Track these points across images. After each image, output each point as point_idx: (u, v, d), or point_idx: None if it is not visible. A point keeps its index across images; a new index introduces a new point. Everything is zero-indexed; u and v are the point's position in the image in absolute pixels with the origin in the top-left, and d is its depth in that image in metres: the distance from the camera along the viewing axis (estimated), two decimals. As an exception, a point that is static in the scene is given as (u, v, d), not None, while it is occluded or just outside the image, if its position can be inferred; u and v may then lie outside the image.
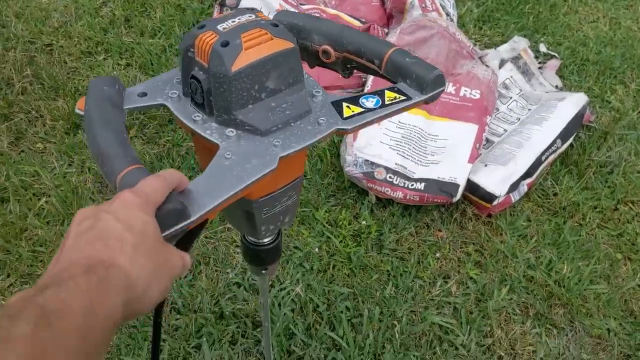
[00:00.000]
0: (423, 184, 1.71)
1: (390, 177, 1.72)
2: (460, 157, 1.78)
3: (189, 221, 0.54)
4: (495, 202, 1.75)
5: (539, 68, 2.23)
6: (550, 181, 1.92)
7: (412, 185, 1.71)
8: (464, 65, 2.02)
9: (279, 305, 1.54)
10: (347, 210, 1.77)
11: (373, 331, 1.52)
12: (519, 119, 2.02)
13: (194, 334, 1.48)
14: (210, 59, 0.61)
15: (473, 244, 1.75)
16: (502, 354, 1.53)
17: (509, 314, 1.61)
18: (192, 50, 0.64)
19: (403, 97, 0.70)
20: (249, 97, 0.63)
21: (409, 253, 1.70)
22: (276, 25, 0.65)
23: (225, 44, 0.61)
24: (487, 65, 2.06)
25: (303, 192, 1.81)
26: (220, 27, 0.63)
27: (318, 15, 2.18)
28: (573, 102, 1.97)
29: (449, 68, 1.99)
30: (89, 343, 0.40)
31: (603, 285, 1.70)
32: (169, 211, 0.52)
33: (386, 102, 0.69)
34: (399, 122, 1.84)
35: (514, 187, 1.78)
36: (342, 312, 1.54)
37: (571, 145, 2.00)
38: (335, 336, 1.50)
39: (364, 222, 1.74)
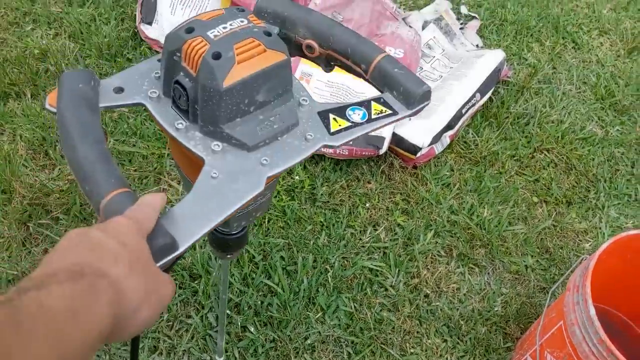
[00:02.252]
0: (350, 138, 1.79)
1: (319, 133, 1.79)
2: (385, 112, 1.86)
3: (178, 252, 0.53)
4: (419, 154, 1.84)
5: (461, 28, 2.34)
6: (472, 133, 2.04)
7: (340, 139, 1.79)
8: (387, 26, 2.09)
9: (216, 258, 1.59)
10: (280, 167, 1.83)
11: (307, 277, 1.60)
12: (441, 76, 2.12)
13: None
14: (199, 69, 0.58)
15: (400, 193, 1.84)
16: (429, 292, 1.64)
17: (434, 255, 1.72)
18: (178, 55, 0.60)
19: (389, 111, 0.69)
20: (237, 111, 0.61)
21: (341, 204, 1.79)
22: (269, 34, 0.61)
23: (217, 56, 0.57)
24: (410, 26, 2.15)
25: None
26: (211, 33, 0.59)
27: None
28: (490, 59, 2.08)
29: (373, 29, 2.06)
30: (65, 351, 0.38)
31: (520, 226, 1.83)
32: (160, 246, 0.51)
33: (372, 116, 0.68)
34: (328, 80, 1.91)
35: (437, 139, 1.89)
36: (277, 261, 1.61)
37: (491, 99, 2.12)
38: (271, 283, 1.57)
39: (297, 178, 1.81)
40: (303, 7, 0.74)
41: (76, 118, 0.56)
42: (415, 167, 1.90)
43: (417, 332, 1.58)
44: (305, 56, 0.75)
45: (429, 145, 1.85)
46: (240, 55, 0.58)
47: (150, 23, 2.07)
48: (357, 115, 0.67)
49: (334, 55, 0.73)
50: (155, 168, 1.78)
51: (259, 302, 1.54)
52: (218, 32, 0.59)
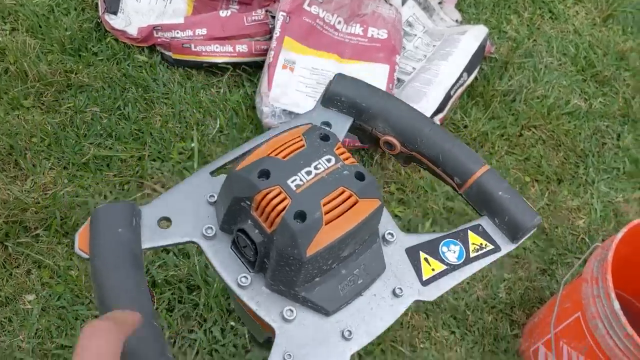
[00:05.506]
0: (343, 129, 1.72)
1: (309, 125, 1.71)
2: (375, 98, 1.79)
3: None
4: (412, 140, 1.79)
5: (439, 3, 2.26)
6: (460, 114, 1.99)
7: (332, 131, 1.71)
8: (368, 5, 2.01)
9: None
10: (269, 163, 1.74)
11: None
12: (425, 56, 2.06)
13: (128, 306, 1.43)
14: (277, 231, 0.47)
15: (394, 182, 1.79)
16: (433, 284, 1.61)
17: (435, 245, 1.68)
18: (247, 203, 0.49)
19: (490, 246, 0.58)
20: (318, 272, 0.50)
21: (335, 198, 1.72)
22: (362, 177, 0.50)
23: (301, 218, 0.47)
24: (390, 4, 2.07)
25: (222, 148, 1.77)
26: (292, 182, 0.48)
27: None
28: (474, 35, 2.02)
29: (354, 9, 1.97)
30: None
31: (516, 207, 1.81)
32: None
33: (471, 254, 0.57)
34: (312, 67, 1.82)
35: (429, 123, 1.83)
36: (277, 264, 1.54)
37: (476, 77, 2.07)
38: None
39: (287, 173, 1.73)
40: (384, 95, 0.62)
41: (118, 280, 0.46)
42: (407, 153, 1.85)
43: (425, 326, 1.55)
44: (380, 149, 0.64)
45: (421, 131, 1.80)
46: (329, 214, 0.48)
47: (115, 12, 1.92)
48: (452, 254, 0.57)
49: (420, 158, 0.62)
50: (136, 172, 1.67)
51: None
52: (301, 180, 0.48)
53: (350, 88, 0.62)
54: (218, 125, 1.81)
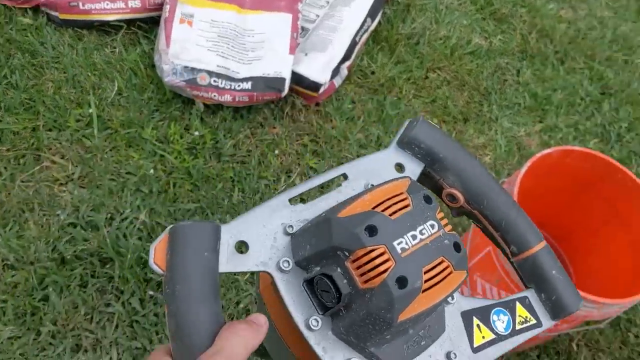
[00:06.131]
0: (250, 83, 1.67)
1: (214, 81, 1.65)
2: (280, 49, 1.75)
3: None
4: (321, 90, 1.77)
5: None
6: (367, 61, 1.99)
7: (239, 85, 1.66)
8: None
9: (124, 236, 1.46)
10: (175, 124, 1.68)
11: (228, 239, 1.51)
12: (328, 2, 2.02)
13: (37, 286, 1.36)
14: (375, 292, 0.46)
15: (307, 134, 1.78)
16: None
17: (351, 193, 1.70)
18: (345, 253, 0.47)
19: (534, 321, 0.59)
20: (395, 332, 0.50)
21: (249, 155, 1.69)
22: (459, 249, 0.49)
23: (401, 283, 0.45)
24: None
25: (123, 112, 1.68)
26: (398, 244, 0.46)
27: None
28: (376, -21, 2.00)
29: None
30: None
31: (426, 150, 1.85)
32: None
33: (517, 326, 0.58)
34: (212, 20, 1.74)
35: (336, 72, 1.81)
36: (193, 228, 1.50)
37: (379, 22, 2.07)
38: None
39: (196, 133, 1.67)
40: (461, 149, 0.62)
41: (202, 314, 0.45)
42: (317, 104, 1.83)
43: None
44: (439, 197, 0.62)
45: (329, 80, 1.78)
46: (427, 282, 0.46)
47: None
48: (501, 323, 0.58)
49: (480, 218, 0.61)
50: (31, 144, 1.56)
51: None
52: (407, 244, 0.46)
53: (432, 136, 0.61)
54: (116, 88, 1.71)
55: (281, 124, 1.77)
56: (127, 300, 1.38)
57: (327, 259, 0.48)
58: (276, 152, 1.71)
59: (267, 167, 1.68)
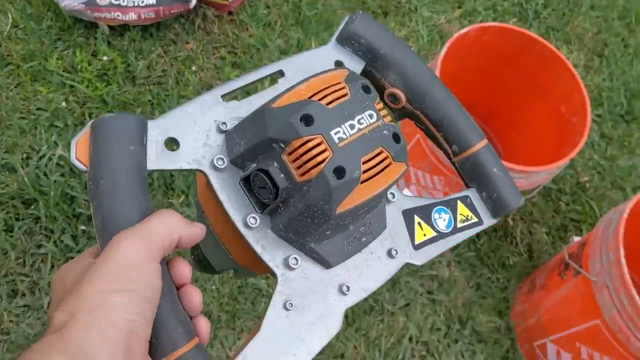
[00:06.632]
0: (153, -2, 1.57)
1: (116, 0, 1.54)
2: (181, -42, 1.64)
3: None
4: (231, -3, 1.68)
5: None
6: (277, -39, 1.89)
7: (143, 2, 1.56)
8: None
9: (45, 174, 1.39)
10: (81, 51, 1.57)
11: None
12: None
13: (-41, 238, 1.29)
14: (311, 183, 0.44)
15: (224, 46, 1.70)
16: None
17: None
18: (281, 145, 0.44)
19: (475, 220, 0.59)
20: (334, 227, 0.49)
21: (165, 75, 1.61)
22: (398, 140, 0.47)
23: (339, 173, 0.43)
24: None
25: (22, 45, 1.56)
26: (335, 134, 0.44)
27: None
28: None
29: None
30: None
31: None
32: None
33: (458, 224, 0.58)
34: None
35: (245, -24, 1.72)
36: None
37: None
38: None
39: (105, 58, 1.58)
40: (404, 47, 0.59)
41: (128, 207, 0.43)
42: (230, 12, 1.75)
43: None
44: (382, 100, 0.59)
45: (239, -14, 1.69)
46: (366, 173, 0.45)
47: None
48: (442, 222, 0.58)
49: (422, 118, 0.59)
50: None
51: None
52: (344, 134, 0.44)
53: (372, 31, 0.57)
54: (11, 20, 1.58)
55: (194, 38, 1.68)
56: (58, 238, 1.33)
57: (262, 154, 0.47)
58: (193, 68, 1.64)
59: (185, 85, 1.61)
